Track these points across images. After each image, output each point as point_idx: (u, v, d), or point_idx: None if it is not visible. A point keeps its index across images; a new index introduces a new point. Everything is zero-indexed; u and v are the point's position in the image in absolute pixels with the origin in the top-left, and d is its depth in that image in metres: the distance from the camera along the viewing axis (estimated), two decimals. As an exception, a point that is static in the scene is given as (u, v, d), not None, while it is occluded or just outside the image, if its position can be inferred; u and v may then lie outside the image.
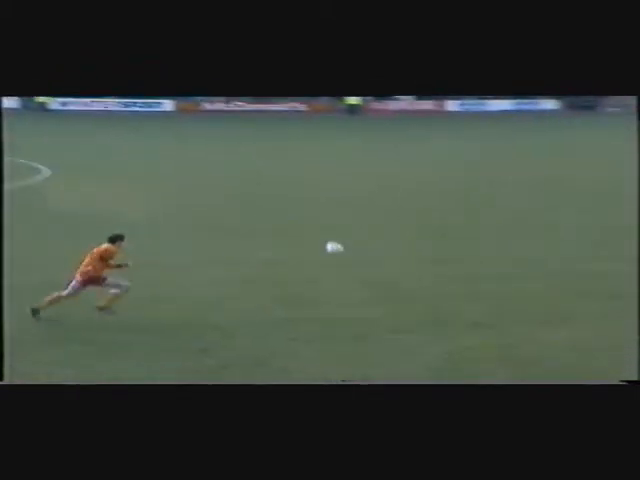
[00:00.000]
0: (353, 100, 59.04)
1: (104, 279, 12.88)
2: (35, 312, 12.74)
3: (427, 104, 60.95)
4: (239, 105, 60.70)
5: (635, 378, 9.52)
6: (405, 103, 61.33)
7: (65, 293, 12.83)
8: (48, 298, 12.83)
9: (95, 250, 12.82)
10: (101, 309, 12.94)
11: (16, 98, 52.23)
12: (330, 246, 13.71)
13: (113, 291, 12.96)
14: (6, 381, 8.44)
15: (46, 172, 29.71)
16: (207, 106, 61.66)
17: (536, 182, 27.78)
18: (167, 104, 61.77)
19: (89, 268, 12.73)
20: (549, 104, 61.42)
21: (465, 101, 61.19)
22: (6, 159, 8.49)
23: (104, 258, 12.76)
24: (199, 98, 58.92)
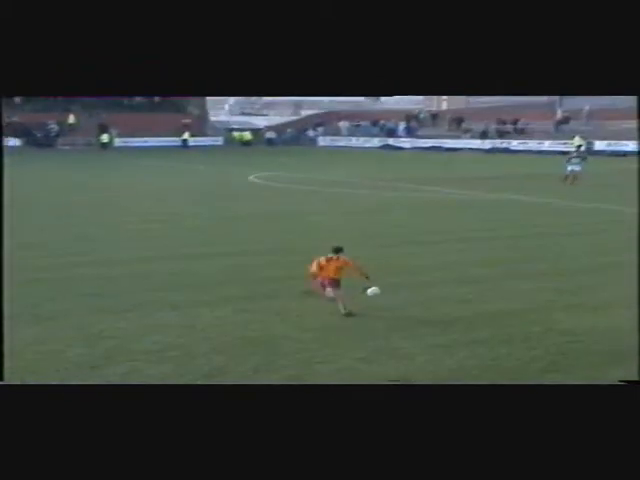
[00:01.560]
0: None
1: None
2: (349, 314, 14.63)
3: None
4: None
5: (635, 378, 9.54)
6: None
7: (334, 295, 14.92)
8: (340, 303, 14.74)
9: (344, 260, 14.85)
10: (349, 313, 14.64)
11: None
12: (371, 290, 15.11)
13: (339, 293, 14.81)
14: (6, 381, 8.46)
15: None
16: None
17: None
18: None
19: (334, 274, 14.85)
20: (14, 141, 73.55)
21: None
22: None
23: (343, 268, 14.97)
24: None
